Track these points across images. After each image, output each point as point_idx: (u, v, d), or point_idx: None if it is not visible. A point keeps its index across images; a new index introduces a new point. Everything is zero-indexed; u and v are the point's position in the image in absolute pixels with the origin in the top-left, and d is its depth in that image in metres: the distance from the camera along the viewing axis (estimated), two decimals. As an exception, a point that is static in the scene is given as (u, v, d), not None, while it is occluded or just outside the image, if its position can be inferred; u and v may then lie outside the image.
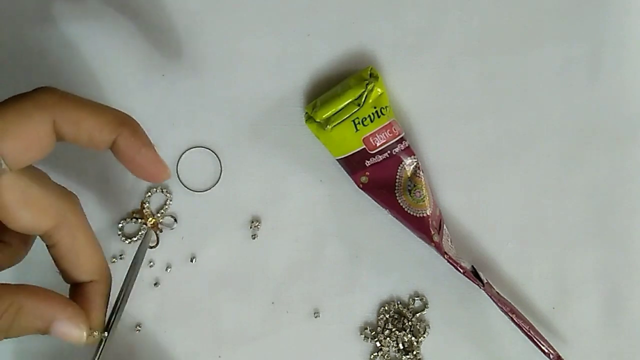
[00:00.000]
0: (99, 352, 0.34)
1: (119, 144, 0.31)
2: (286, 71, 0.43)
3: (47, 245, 0.33)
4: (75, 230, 0.32)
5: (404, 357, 0.43)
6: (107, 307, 0.34)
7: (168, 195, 0.43)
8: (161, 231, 0.43)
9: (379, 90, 0.40)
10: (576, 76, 0.44)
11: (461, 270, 0.40)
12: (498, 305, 0.40)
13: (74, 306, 0.32)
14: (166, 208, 0.43)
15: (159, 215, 0.42)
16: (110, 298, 0.35)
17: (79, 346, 0.32)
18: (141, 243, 0.38)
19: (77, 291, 0.33)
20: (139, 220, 0.42)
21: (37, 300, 0.31)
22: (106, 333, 0.34)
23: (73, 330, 0.31)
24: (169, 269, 0.43)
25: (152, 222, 0.42)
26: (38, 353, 0.42)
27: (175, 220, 0.43)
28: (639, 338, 0.43)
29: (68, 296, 0.33)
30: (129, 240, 0.42)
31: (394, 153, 0.41)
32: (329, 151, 0.42)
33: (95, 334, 0.33)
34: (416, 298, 0.43)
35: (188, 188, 0.43)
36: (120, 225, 0.42)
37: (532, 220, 0.43)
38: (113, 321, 0.35)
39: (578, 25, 0.44)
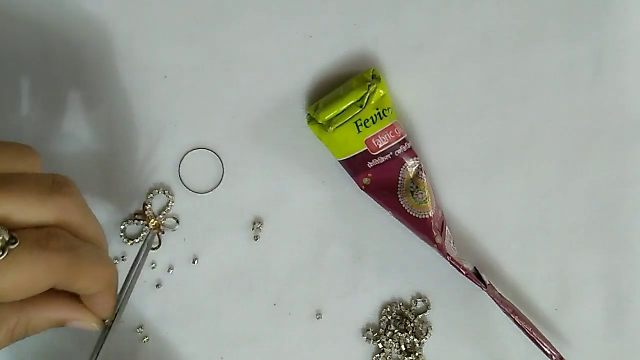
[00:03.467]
0: (99, 349, 0.35)
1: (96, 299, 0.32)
2: (288, 73, 0.43)
3: None
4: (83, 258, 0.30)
5: (406, 358, 0.43)
6: (116, 304, 0.34)
7: (170, 196, 0.42)
8: (163, 233, 0.42)
9: (381, 91, 0.40)
10: (579, 77, 0.44)
11: (464, 272, 0.40)
12: (500, 307, 0.40)
13: (81, 308, 0.32)
14: (168, 210, 0.42)
15: (161, 216, 0.42)
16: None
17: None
18: (143, 244, 0.38)
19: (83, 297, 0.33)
20: (141, 222, 0.42)
21: (45, 309, 0.31)
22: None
23: (85, 326, 0.33)
24: (171, 271, 0.43)
25: (154, 224, 0.42)
26: (36, 353, 0.42)
27: (178, 222, 0.43)
28: (641, 339, 0.43)
29: None
30: (131, 242, 0.42)
31: (397, 155, 0.41)
32: (331, 153, 0.42)
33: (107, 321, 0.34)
34: (419, 300, 0.43)
35: (190, 190, 0.43)
36: (122, 227, 0.42)
37: (534, 221, 0.43)
38: (113, 321, 0.35)
39: (581, 26, 0.44)
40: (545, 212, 0.43)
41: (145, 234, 0.42)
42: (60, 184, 0.29)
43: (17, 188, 0.28)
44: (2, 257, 0.26)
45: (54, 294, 0.31)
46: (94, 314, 0.33)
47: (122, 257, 0.42)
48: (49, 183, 0.29)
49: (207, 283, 0.43)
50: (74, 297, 0.32)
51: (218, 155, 0.43)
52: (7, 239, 0.27)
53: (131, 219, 0.42)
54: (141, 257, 0.39)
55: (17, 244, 0.27)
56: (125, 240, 0.42)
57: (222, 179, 0.43)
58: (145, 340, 0.42)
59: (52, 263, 0.28)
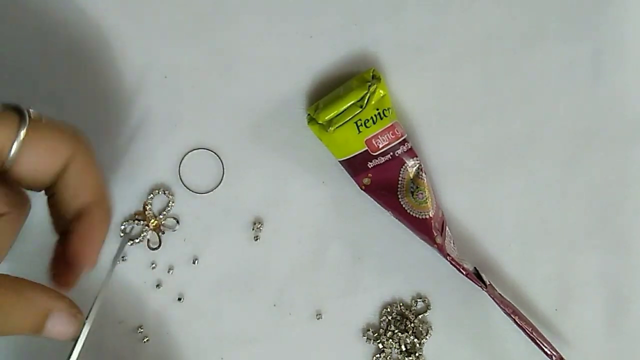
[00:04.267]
0: (77, 348, 0.33)
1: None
2: (288, 73, 0.43)
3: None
4: (81, 168, 0.32)
5: (406, 358, 0.43)
6: (103, 240, 0.34)
7: (170, 197, 0.42)
8: (163, 233, 0.43)
9: (381, 92, 0.40)
10: (578, 78, 0.44)
11: (464, 272, 0.40)
12: (500, 307, 0.40)
13: (68, 299, 0.31)
14: (168, 210, 0.42)
15: (161, 217, 0.42)
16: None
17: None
18: (123, 238, 0.38)
19: (73, 227, 0.33)
20: (141, 222, 0.42)
21: (34, 291, 0.30)
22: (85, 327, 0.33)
23: (70, 323, 0.31)
24: (171, 271, 0.43)
25: (154, 224, 0.42)
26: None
27: (178, 222, 0.43)
28: (641, 339, 0.43)
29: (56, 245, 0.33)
30: (131, 242, 0.42)
31: (397, 155, 0.41)
32: (331, 153, 0.42)
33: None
34: (419, 300, 0.43)
35: (190, 190, 0.43)
36: (122, 227, 0.42)
37: (534, 222, 0.43)
38: (89, 315, 0.34)
39: (580, 27, 0.44)
40: (545, 212, 0.43)
41: (145, 234, 0.42)
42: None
43: None
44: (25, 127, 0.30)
45: (43, 285, 0.31)
46: (80, 252, 0.32)
47: (122, 257, 0.42)
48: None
49: (207, 283, 0.43)
50: (61, 293, 0.32)
51: (218, 155, 0.43)
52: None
53: (131, 219, 0.42)
54: (120, 251, 0.38)
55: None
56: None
57: (222, 179, 0.43)
58: (145, 340, 0.42)
59: (65, 135, 0.31)
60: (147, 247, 0.42)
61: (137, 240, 0.42)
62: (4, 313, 0.29)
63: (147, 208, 0.42)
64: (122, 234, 0.42)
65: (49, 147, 0.31)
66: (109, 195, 0.34)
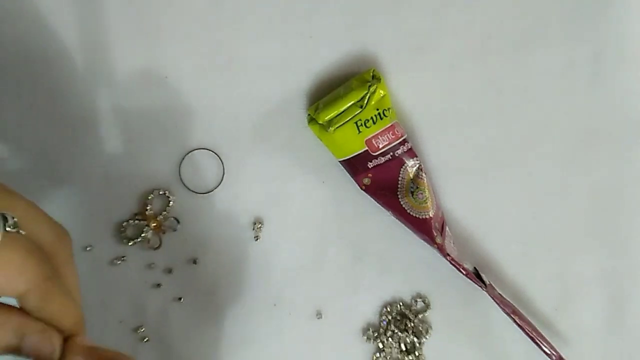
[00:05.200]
0: None
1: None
2: (288, 73, 0.43)
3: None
4: (52, 293, 0.29)
5: (406, 358, 0.43)
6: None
7: (170, 197, 0.42)
8: (163, 233, 0.43)
9: (381, 92, 0.40)
10: (578, 79, 0.44)
11: (464, 272, 0.40)
12: (500, 307, 0.41)
13: (39, 322, 0.29)
14: (168, 210, 0.42)
15: (161, 217, 0.42)
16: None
17: None
18: None
19: None
20: (141, 222, 0.42)
21: (7, 313, 0.29)
22: None
23: (45, 346, 0.29)
24: (170, 271, 0.43)
25: (154, 224, 0.42)
26: None
27: (178, 222, 0.43)
28: (641, 339, 0.43)
29: None
30: (131, 242, 0.42)
31: (397, 155, 0.41)
32: (331, 153, 0.42)
33: None
34: (419, 299, 0.43)
35: (190, 190, 0.43)
36: (122, 227, 0.42)
37: (534, 222, 0.43)
38: None
39: (580, 28, 0.44)
40: (545, 213, 0.43)
41: (145, 234, 0.42)
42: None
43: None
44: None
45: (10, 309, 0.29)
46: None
47: (122, 257, 0.42)
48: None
49: (207, 283, 0.43)
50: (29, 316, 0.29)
51: (218, 156, 0.43)
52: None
53: (131, 219, 0.42)
54: None
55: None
56: (125, 240, 0.42)
57: (222, 179, 0.43)
58: (145, 340, 0.42)
59: (31, 261, 0.28)
60: (147, 247, 0.42)
61: (137, 240, 0.42)
62: None
63: (147, 208, 0.42)
64: (122, 234, 0.42)
65: (9, 274, 0.28)
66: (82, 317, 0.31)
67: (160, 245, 0.42)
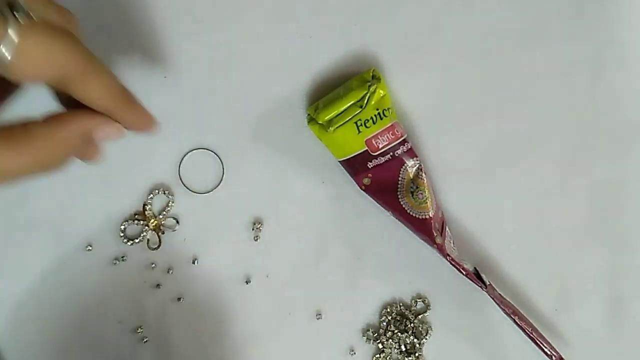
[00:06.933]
0: None
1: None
2: (288, 73, 0.43)
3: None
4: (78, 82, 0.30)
5: (406, 358, 0.43)
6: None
7: (170, 197, 0.42)
8: (163, 233, 0.43)
9: (381, 92, 0.40)
10: (579, 78, 0.44)
11: (464, 272, 0.40)
12: (500, 307, 0.40)
13: (103, 115, 0.32)
14: (168, 210, 0.42)
15: (161, 216, 0.42)
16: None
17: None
18: None
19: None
20: (141, 222, 0.42)
21: (68, 121, 0.31)
22: None
23: (111, 131, 0.32)
24: (170, 271, 0.43)
25: (154, 224, 0.42)
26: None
27: (177, 222, 0.43)
28: (641, 339, 0.43)
29: None
30: (131, 242, 0.42)
31: (397, 155, 0.41)
32: (331, 153, 0.42)
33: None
34: (418, 300, 0.43)
35: (190, 190, 0.43)
36: (122, 227, 0.42)
37: (534, 222, 0.43)
38: None
39: (580, 27, 0.44)
40: (545, 212, 0.43)
41: (145, 234, 0.42)
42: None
43: None
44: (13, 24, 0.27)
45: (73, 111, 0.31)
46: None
47: (122, 257, 0.42)
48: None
49: (207, 283, 0.43)
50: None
51: (218, 156, 0.43)
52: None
53: (131, 219, 0.42)
54: None
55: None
56: (125, 240, 0.42)
57: (222, 179, 0.43)
58: (145, 340, 0.42)
59: (68, 41, 0.29)
60: (147, 247, 0.42)
61: (137, 240, 0.42)
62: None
63: (147, 208, 0.42)
64: (122, 234, 0.42)
65: (40, 56, 0.28)
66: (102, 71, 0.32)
67: (160, 245, 0.42)
